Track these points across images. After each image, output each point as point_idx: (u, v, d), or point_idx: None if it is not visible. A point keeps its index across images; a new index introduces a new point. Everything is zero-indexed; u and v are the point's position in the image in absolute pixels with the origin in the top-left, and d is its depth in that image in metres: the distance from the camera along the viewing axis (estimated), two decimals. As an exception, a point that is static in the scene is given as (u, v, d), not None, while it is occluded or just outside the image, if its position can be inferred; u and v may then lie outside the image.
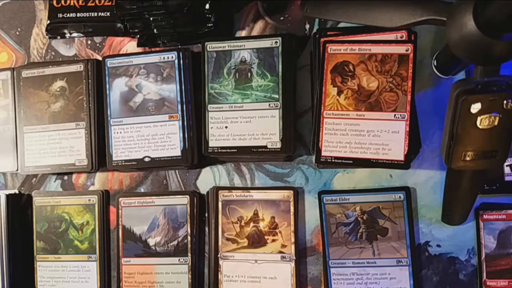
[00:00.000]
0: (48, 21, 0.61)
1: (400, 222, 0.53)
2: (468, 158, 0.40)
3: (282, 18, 0.57)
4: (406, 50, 0.49)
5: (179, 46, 0.58)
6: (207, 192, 0.58)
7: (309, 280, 0.56)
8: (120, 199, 0.58)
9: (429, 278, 0.54)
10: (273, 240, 0.55)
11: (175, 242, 0.56)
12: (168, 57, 0.56)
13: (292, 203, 0.55)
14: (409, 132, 0.48)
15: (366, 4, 0.45)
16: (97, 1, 0.59)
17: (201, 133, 0.55)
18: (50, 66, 0.59)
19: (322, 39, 0.52)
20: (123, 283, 0.57)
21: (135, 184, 0.60)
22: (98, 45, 0.61)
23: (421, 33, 0.51)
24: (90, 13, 0.59)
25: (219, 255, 0.56)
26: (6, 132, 0.60)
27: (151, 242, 0.57)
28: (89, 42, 0.61)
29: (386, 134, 0.49)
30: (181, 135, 0.55)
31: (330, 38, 0.52)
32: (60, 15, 0.60)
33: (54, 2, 0.60)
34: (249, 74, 0.54)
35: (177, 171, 0.59)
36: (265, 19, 0.57)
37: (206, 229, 0.58)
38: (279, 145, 0.53)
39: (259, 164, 0.57)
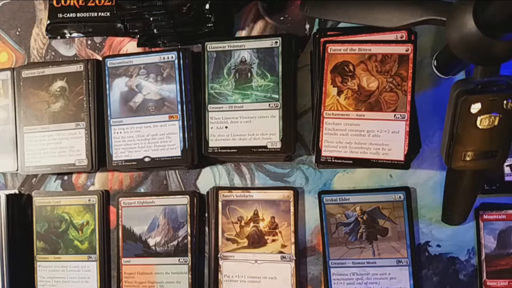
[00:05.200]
0: (48, 21, 0.61)
1: (400, 222, 0.53)
2: (468, 158, 0.40)
3: (282, 18, 0.57)
4: (406, 50, 0.49)
5: (179, 46, 0.58)
6: (207, 192, 0.58)
7: (309, 280, 0.56)
8: (120, 199, 0.58)
9: (429, 278, 0.54)
10: (273, 240, 0.55)
11: (175, 242, 0.56)
12: (168, 57, 0.56)
13: (292, 203, 0.55)
14: (409, 132, 0.48)
15: (366, 4, 0.45)
16: (97, 1, 0.59)
17: (201, 133, 0.55)
18: (50, 66, 0.59)
19: (322, 39, 0.52)
20: (123, 283, 0.57)
21: (135, 184, 0.60)
22: (98, 45, 0.61)
23: (421, 33, 0.52)
24: (90, 13, 0.59)
25: (219, 255, 0.56)
26: (6, 132, 0.60)
27: (151, 242, 0.57)
28: (89, 42, 0.61)
29: (386, 134, 0.49)
30: (181, 135, 0.55)
31: (330, 38, 0.52)
32: (60, 15, 0.60)
33: (54, 2, 0.60)
34: (249, 74, 0.54)
35: (177, 171, 0.59)
36: (265, 19, 0.57)
37: (206, 229, 0.58)
38: (279, 145, 0.53)
39: (259, 164, 0.57)
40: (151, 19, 0.54)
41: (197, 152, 0.55)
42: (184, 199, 0.57)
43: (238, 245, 0.56)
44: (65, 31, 0.61)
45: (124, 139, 0.56)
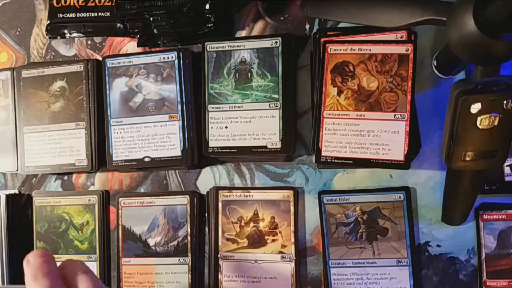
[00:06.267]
0: (48, 21, 0.61)
1: (400, 222, 0.53)
2: (468, 158, 0.40)
3: (282, 18, 0.57)
4: (406, 50, 0.49)
5: (179, 46, 0.58)
6: (207, 192, 0.58)
7: (309, 280, 0.56)
8: (120, 199, 0.58)
9: (429, 278, 0.54)
10: (273, 240, 0.55)
11: (175, 242, 0.56)
12: (168, 57, 0.56)
13: (292, 203, 0.55)
14: (409, 132, 0.48)
15: (366, 4, 0.45)
16: (97, 1, 0.59)
17: (201, 133, 0.55)
18: (50, 66, 0.59)
19: (322, 39, 0.52)
20: (123, 283, 0.57)
21: (135, 184, 0.60)
22: (98, 45, 0.61)
23: (421, 33, 0.52)
24: (90, 13, 0.59)
25: (219, 255, 0.56)
26: (6, 132, 0.60)
27: (151, 242, 0.57)
28: (89, 42, 0.61)
29: (386, 134, 0.49)
30: (181, 135, 0.55)
31: (330, 38, 0.52)
32: (60, 15, 0.60)
33: (54, 2, 0.60)
34: (249, 74, 0.54)
35: (177, 171, 0.59)
36: (265, 19, 0.57)
37: (206, 229, 0.58)
38: (279, 145, 0.53)
39: (259, 164, 0.57)
40: (151, 19, 0.54)
41: (197, 152, 0.55)
42: (184, 199, 0.57)
43: (238, 245, 0.56)
44: (65, 31, 0.61)
45: (124, 139, 0.56)
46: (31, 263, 0.35)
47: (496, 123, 0.38)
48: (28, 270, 0.35)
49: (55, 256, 0.58)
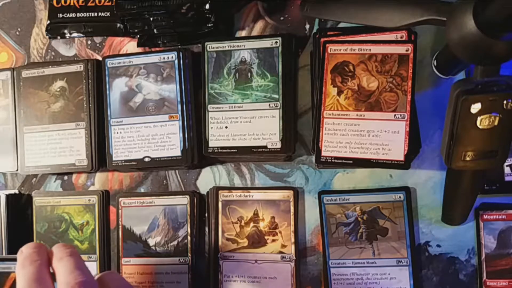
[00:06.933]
0: (48, 21, 0.61)
1: (400, 222, 0.53)
2: (468, 158, 0.40)
3: (282, 18, 0.57)
4: (406, 50, 0.49)
5: (179, 46, 0.58)
6: (207, 192, 0.58)
7: (309, 280, 0.56)
8: (120, 199, 0.58)
9: (429, 278, 0.54)
10: (273, 240, 0.55)
11: (175, 242, 0.56)
12: (168, 57, 0.56)
13: (292, 203, 0.55)
14: (409, 132, 0.49)
15: (366, 4, 0.45)
16: (97, 1, 0.59)
17: (201, 133, 0.55)
18: (50, 66, 0.59)
19: (322, 39, 0.52)
20: (123, 283, 0.57)
21: (135, 184, 0.60)
22: (98, 45, 0.61)
23: (421, 33, 0.52)
24: (90, 13, 0.59)
25: (219, 255, 0.56)
26: (6, 132, 0.60)
27: (151, 242, 0.57)
28: (89, 42, 0.61)
29: (386, 134, 0.49)
30: (181, 135, 0.55)
31: (330, 38, 0.52)
32: (60, 15, 0.60)
33: (54, 2, 0.60)
34: (249, 74, 0.54)
35: (177, 171, 0.59)
36: (265, 19, 0.57)
37: (206, 229, 0.58)
38: (279, 145, 0.53)
39: (259, 164, 0.57)
40: (151, 19, 0.54)
41: (197, 152, 0.55)
42: (184, 199, 0.57)
43: (238, 245, 0.56)
44: (65, 31, 0.61)
45: (124, 139, 0.56)
46: (23, 253, 0.38)
47: (496, 123, 0.38)
48: (18, 260, 0.38)
49: (55, 256, 0.58)
